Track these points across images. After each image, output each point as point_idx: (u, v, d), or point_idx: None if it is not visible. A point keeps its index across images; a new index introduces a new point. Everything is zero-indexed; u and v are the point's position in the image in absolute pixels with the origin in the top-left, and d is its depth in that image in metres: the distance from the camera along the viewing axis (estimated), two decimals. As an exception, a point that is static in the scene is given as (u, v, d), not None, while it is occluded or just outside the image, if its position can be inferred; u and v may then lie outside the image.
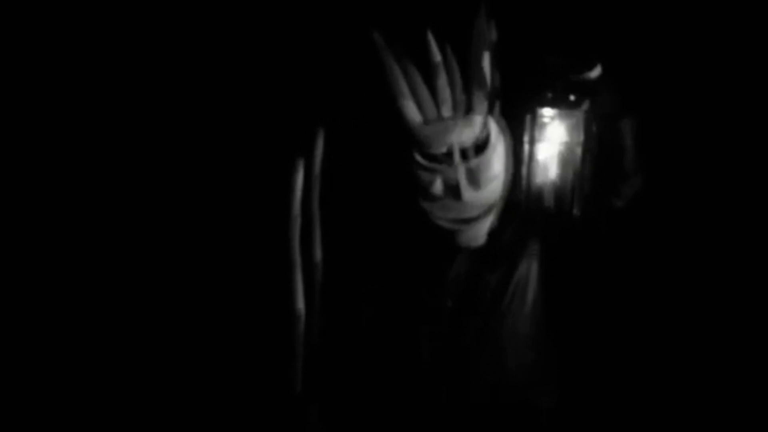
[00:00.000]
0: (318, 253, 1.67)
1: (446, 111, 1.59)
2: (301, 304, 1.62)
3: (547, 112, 1.73)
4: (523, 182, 1.75)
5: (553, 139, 1.74)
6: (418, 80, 1.58)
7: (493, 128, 1.67)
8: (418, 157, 1.62)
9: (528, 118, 1.74)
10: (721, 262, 2.07)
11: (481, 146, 1.63)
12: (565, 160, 1.75)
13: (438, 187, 1.62)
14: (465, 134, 1.61)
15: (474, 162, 1.61)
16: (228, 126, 2.06)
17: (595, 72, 1.70)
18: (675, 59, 2.07)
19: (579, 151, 1.75)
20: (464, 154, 1.61)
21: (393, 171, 1.66)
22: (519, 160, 1.74)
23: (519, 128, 1.75)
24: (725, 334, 2.05)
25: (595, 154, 1.73)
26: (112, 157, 2.03)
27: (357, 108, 1.83)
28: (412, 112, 1.59)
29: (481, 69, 1.61)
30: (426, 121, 1.59)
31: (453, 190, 1.61)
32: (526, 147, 1.76)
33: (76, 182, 2.02)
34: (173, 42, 2.03)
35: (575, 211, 1.72)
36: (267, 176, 1.76)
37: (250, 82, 2.07)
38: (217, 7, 2.04)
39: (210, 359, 1.98)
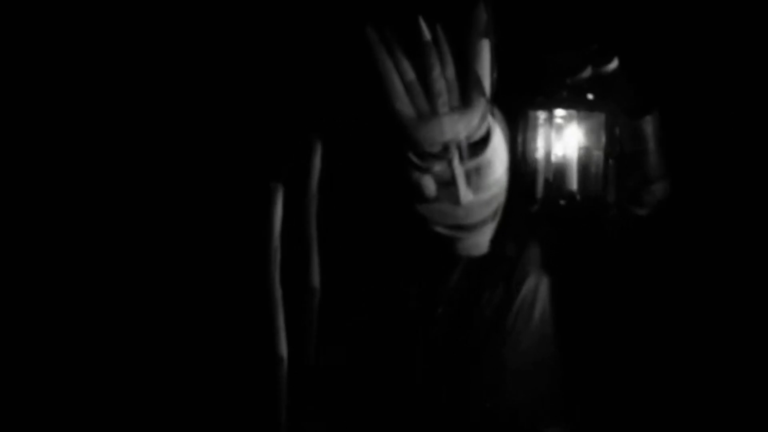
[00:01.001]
0: (316, 279, 1.55)
1: (441, 106, 1.47)
2: (283, 348, 1.52)
3: (561, 114, 1.58)
4: (538, 192, 1.58)
5: (570, 144, 1.59)
6: (411, 75, 1.47)
7: (495, 125, 1.54)
8: (413, 158, 1.49)
9: (543, 119, 1.58)
10: (760, 283, 1.95)
11: (481, 144, 1.50)
12: (585, 168, 1.59)
13: (434, 190, 1.50)
14: (462, 131, 1.48)
15: (473, 162, 1.49)
16: (204, 141, 1.98)
17: (612, 65, 1.55)
18: (704, 47, 1.91)
19: (600, 156, 1.58)
20: (462, 153, 1.49)
21: (386, 175, 1.54)
22: (532, 167, 1.58)
23: (529, 132, 1.59)
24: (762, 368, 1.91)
25: (620, 160, 1.58)
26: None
27: (345, 109, 1.69)
28: (404, 107, 1.47)
29: (479, 59, 1.49)
30: (419, 117, 1.47)
31: (451, 194, 1.49)
32: (540, 153, 1.59)
33: (53, 186, 1.96)
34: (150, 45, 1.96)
35: (602, 223, 1.58)
36: (243, 200, 1.67)
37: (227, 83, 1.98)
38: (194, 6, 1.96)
39: (188, 406, 1.87)
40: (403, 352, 1.60)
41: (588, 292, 1.68)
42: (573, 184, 1.58)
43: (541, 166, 1.58)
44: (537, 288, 1.63)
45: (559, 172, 1.59)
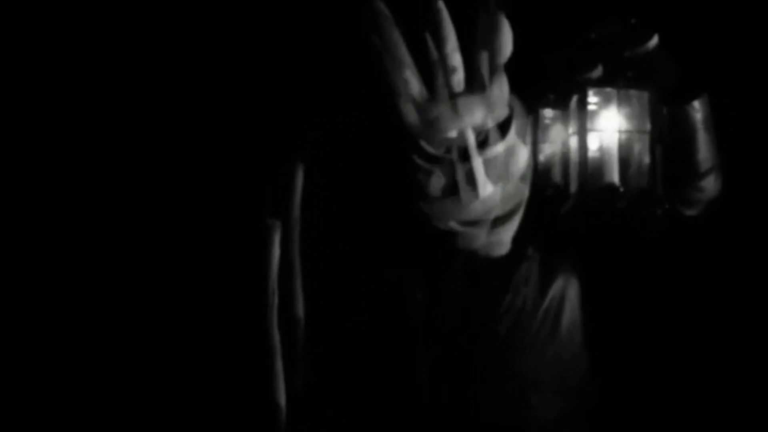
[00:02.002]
0: (300, 309, 1.46)
1: (457, 85, 1.29)
2: (281, 396, 1.46)
3: (598, 95, 1.40)
4: (571, 186, 1.41)
5: (609, 129, 1.40)
6: (424, 52, 1.30)
7: (517, 108, 1.38)
8: (424, 145, 1.34)
9: (574, 102, 1.40)
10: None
11: (503, 130, 1.34)
12: (627, 155, 1.40)
13: (447, 182, 1.35)
14: (481, 114, 1.31)
15: (493, 151, 1.33)
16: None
17: (653, 44, 1.41)
18: (760, 19, 1.76)
19: (646, 141, 1.38)
20: (481, 140, 1.33)
21: (390, 168, 1.43)
22: (561, 157, 1.43)
23: (561, 117, 1.42)
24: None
25: (667, 146, 1.40)
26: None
27: (345, 108, 1.58)
28: (416, 89, 1.30)
29: (499, 36, 1.30)
30: (433, 99, 1.30)
31: (468, 186, 1.34)
32: (574, 139, 1.41)
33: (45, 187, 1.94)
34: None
35: (648, 221, 1.40)
36: (240, 239, 1.58)
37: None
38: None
39: None
40: (404, 359, 1.50)
41: (624, 297, 1.62)
42: (614, 175, 1.39)
43: (573, 155, 1.41)
44: (565, 292, 1.53)
45: (596, 161, 1.39)
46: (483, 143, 1.34)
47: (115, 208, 1.93)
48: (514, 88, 1.38)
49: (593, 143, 1.40)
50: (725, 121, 1.47)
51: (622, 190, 1.38)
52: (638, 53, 1.40)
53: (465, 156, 1.34)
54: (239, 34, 1.88)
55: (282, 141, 1.61)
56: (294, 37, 1.82)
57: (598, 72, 1.41)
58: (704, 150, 1.45)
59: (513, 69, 1.35)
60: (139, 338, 1.86)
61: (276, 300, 1.46)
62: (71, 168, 1.95)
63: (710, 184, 1.48)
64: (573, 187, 1.41)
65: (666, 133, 1.39)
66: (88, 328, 1.90)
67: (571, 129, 1.40)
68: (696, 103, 1.43)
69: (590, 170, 1.39)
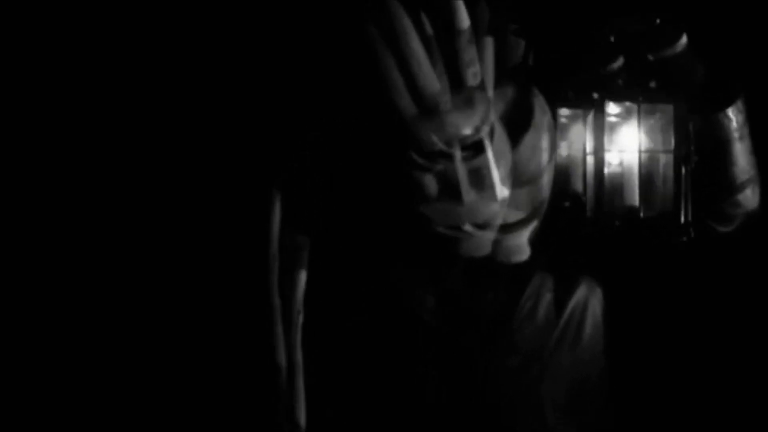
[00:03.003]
0: (281, 356, 1.45)
1: (472, 77, 1.25)
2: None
3: (617, 108, 1.29)
4: (587, 210, 1.31)
5: (629, 147, 1.29)
6: (433, 37, 1.25)
7: (537, 104, 1.33)
8: (435, 141, 1.27)
9: (591, 116, 1.30)
10: None
11: (522, 126, 1.30)
12: (649, 176, 1.29)
13: (445, 183, 1.30)
14: (499, 109, 1.30)
15: (493, 152, 1.28)
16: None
17: (681, 45, 1.30)
18: None
19: (670, 160, 1.27)
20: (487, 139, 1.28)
21: (392, 170, 1.35)
22: (584, 167, 1.32)
23: (582, 116, 1.32)
24: None
25: (694, 165, 1.30)
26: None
27: (339, 104, 1.50)
28: (426, 77, 1.25)
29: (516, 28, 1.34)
30: (446, 90, 1.25)
31: (482, 188, 1.29)
32: (590, 159, 1.31)
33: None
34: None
35: (685, 218, 1.28)
36: (241, 206, 1.57)
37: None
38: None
39: (185, 413, 1.83)
40: (410, 364, 1.44)
41: (651, 307, 1.54)
42: (634, 198, 1.28)
43: (589, 175, 1.30)
44: (587, 302, 1.43)
45: (614, 183, 1.29)
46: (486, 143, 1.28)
47: (114, 192, 1.93)
48: (544, 74, 1.37)
49: (612, 162, 1.29)
50: (762, 127, 1.38)
51: (642, 215, 1.27)
52: (664, 56, 1.29)
53: (469, 154, 1.28)
54: (235, 30, 1.85)
55: (281, 140, 1.57)
56: (289, 31, 1.77)
57: (619, 63, 1.30)
58: (740, 161, 1.35)
59: (530, 67, 1.37)
60: (142, 297, 1.88)
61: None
62: (71, 165, 1.93)
63: (747, 199, 1.37)
64: (589, 209, 1.28)
65: (693, 152, 1.29)
66: (92, 314, 1.90)
67: (588, 146, 1.29)
68: (729, 111, 1.33)
69: (607, 192, 1.28)
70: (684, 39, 1.29)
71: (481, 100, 1.26)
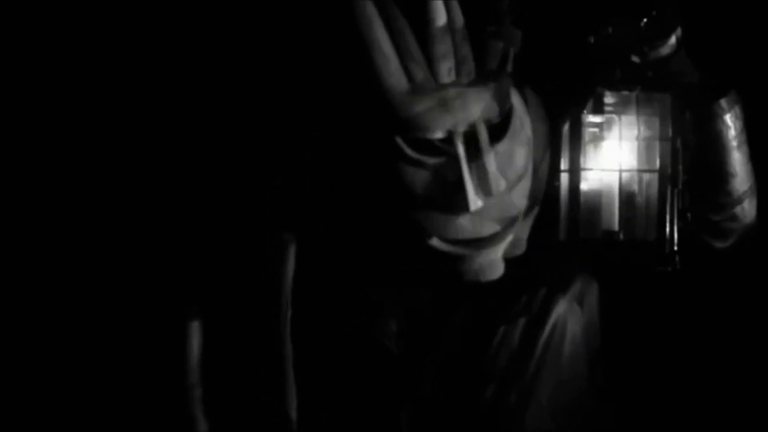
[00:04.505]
0: (293, 410, 1.37)
1: (446, 74, 1.20)
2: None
3: (613, 98, 1.21)
4: (560, 232, 1.23)
5: (626, 136, 1.20)
6: (407, 32, 1.21)
7: (517, 105, 1.27)
8: (403, 146, 1.22)
9: (566, 128, 1.22)
10: None
11: (499, 130, 1.23)
12: (630, 193, 1.19)
13: (433, 191, 1.23)
14: (474, 111, 1.22)
15: (487, 156, 1.22)
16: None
17: (675, 37, 1.23)
18: None
19: (666, 149, 1.17)
20: (472, 141, 1.23)
21: (367, 172, 1.28)
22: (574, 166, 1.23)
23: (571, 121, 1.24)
24: None
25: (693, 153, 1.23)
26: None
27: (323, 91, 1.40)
28: (394, 75, 1.21)
29: (502, 17, 1.25)
30: (415, 89, 1.20)
31: (455, 197, 1.22)
32: (564, 176, 1.23)
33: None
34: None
35: (670, 247, 1.18)
36: (255, 252, 1.47)
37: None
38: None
39: None
40: (383, 396, 1.37)
41: (634, 320, 1.49)
42: (613, 219, 1.18)
43: (563, 190, 1.21)
44: (566, 321, 1.37)
45: (590, 200, 1.19)
46: (474, 146, 1.21)
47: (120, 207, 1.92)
48: (559, 63, 1.34)
49: (588, 176, 1.19)
50: (759, 135, 1.32)
51: (621, 238, 1.17)
52: (659, 48, 1.22)
53: (453, 161, 1.21)
54: (231, 29, 1.83)
55: (279, 146, 1.52)
56: (271, 31, 1.71)
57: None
58: (739, 171, 1.29)
59: (560, 35, 1.35)
60: (151, 346, 1.71)
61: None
62: (70, 166, 1.92)
63: (744, 211, 1.31)
64: (561, 233, 1.19)
65: (681, 171, 1.18)
66: (99, 345, 1.89)
67: (563, 163, 1.20)
68: (727, 118, 1.26)
69: (582, 211, 1.17)
70: (679, 31, 1.22)
71: (455, 100, 1.21)
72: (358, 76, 1.24)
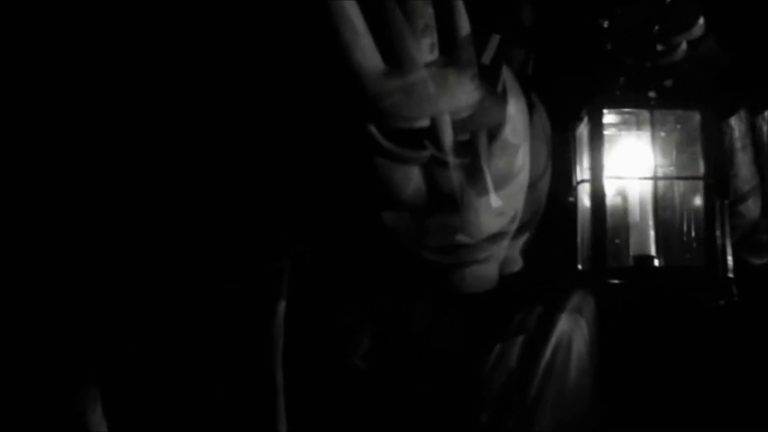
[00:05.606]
0: (283, 425, 1.36)
1: (428, 50, 1.13)
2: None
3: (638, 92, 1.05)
4: (580, 260, 1.05)
5: (639, 173, 1.07)
6: (395, 8, 1.12)
7: (513, 95, 1.19)
8: (379, 138, 1.14)
9: (582, 129, 1.08)
10: None
11: (494, 124, 1.17)
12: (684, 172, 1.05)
13: (416, 190, 1.16)
14: (458, 98, 1.13)
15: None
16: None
17: (697, 29, 1.12)
18: None
19: (711, 151, 1.03)
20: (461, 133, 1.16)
21: (340, 169, 1.20)
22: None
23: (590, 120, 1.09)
24: None
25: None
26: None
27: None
28: (365, 52, 1.13)
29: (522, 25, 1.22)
30: (392, 70, 1.13)
31: (444, 196, 1.16)
32: (584, 187, 1.08)
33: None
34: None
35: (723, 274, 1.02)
36: (247, 280, 1.46)
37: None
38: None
39: None
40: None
41: (641, 337, 1.33)
42: (648, 244, 0.99)
43: (581, 206, 1.05)
44: (571, 338, 1.33)
45: (618, 223, 1.02)
46: (465, 140, 1.13)
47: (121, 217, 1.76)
48: (563, 63, 1.26)
49: (613, 193, 1.02)
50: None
51: (659, 264, 0.99)
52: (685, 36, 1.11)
53: (461, 147, 1.13)
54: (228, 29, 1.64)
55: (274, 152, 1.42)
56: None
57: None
58: (742, 171, 1.26)
59: (560, 29, 1.25)
60: (143, 367, 1.65)
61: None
62: (67, 166, 1.78)
63: (749, 209, 1.27)
64: (581, 261, 0.99)
65: (730, 178, 1.11)
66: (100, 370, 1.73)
67: (578, 173, 1.04)
68: (732, 120, 1.22)
69: (610, 237, 0.98)
70: (701, 22, 1.11)
71: (439, 82, 1.13)
72: (328, 53, 1.15)
